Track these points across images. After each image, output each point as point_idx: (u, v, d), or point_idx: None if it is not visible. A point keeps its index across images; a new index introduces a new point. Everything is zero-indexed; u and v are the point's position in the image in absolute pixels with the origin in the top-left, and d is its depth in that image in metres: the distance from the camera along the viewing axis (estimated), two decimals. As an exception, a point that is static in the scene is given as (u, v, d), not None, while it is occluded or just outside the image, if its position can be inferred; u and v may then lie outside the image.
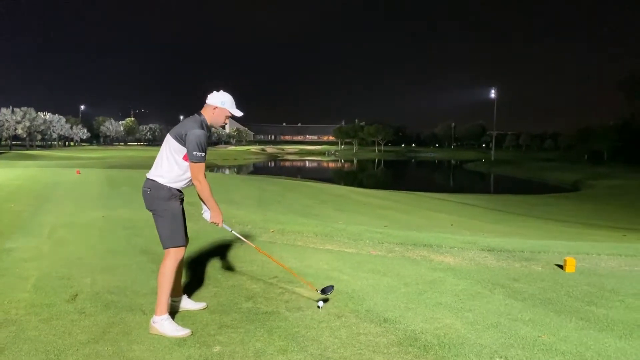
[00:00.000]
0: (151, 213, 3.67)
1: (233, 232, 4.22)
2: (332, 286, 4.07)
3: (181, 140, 3.55)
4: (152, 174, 3.65)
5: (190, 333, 3.43)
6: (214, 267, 5.21)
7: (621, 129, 64.87)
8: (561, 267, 5.70)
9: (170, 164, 3.61)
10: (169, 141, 3.62)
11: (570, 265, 5.57)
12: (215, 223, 3.81)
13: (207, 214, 3.84)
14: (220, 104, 3.70)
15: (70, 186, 13.17)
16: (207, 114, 3.71)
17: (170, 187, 3.61)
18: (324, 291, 3.99)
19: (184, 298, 3.98)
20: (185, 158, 3.58)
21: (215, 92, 3.75)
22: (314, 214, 11.52)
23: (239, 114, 3.80)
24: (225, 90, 3.78)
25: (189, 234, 3.91)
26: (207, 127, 3.66)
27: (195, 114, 3.72)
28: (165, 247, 3.60)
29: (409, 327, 3.59)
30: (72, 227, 7.40)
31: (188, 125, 3.58)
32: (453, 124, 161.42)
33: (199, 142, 3.50)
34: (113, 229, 7.32)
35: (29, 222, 7.81)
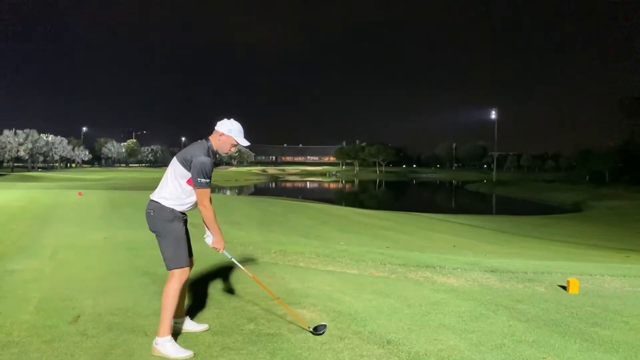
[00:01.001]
0: (154, 234, 3.68)
1: (232, 259, 4.23)
2: (325, 325, 4.01)
3: (186, 165, 3.59)
4: (155, 196, 3.67)
5: (193, 355, 3.41)
6: (215, 288, 5.19)
7: (621, 150, 65.00)
8: (564, 288, 5.67)
9: (175, 187, 3.64)
10: (175, 165, 3.66)
11: (574, 287, 5.54)
12: (216, 249, 3.84)
13: (209, 239, 3.86)
14: (227, 131, 3.72)
15: (72, 208, 13.20)
16: (214, 140, 3.74)
17: (173, 209, 3.63)
18: (316, 329, 3.94)
19: (187, 320, 3.96)
20: (190, 182, 3.62)
21: (225, 119, 3.77)
22: (316, 234, 11.51)
23: (245, 143, 3.82)
24: (229, 115, 3.81)
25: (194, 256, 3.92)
26: (212, 154, 3.68)
27: (203, 139, 3.75)
28: (168, 269, 3.61)
29: (413, 349, 3.56)
30: (74, 248, 7.40)
31: (194, 150, 3.62)
32: (454, 145, 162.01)
33: (203, 169, 3.53)
34: (115, 250, 7.32)
35: (31, 244, 7.81)
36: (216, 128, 3.75)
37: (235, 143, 3.78)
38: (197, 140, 3.82)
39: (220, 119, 3.77)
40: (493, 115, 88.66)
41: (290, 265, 6.73)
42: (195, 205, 3.71)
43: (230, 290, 5.12)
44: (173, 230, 3.63)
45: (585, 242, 17.22)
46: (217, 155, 3.84)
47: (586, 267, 7.37)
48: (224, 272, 5.79)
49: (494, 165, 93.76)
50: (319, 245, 8.54)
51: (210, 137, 3.76)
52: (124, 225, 10.09)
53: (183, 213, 3.72)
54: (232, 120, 3.77)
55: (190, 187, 3.63)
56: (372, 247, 9.02)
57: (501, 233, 18.95)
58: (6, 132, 73.52)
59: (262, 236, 9.66)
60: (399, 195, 66.16)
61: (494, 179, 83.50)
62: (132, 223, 10.18)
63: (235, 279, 5.57)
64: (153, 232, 3.69)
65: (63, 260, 6.59)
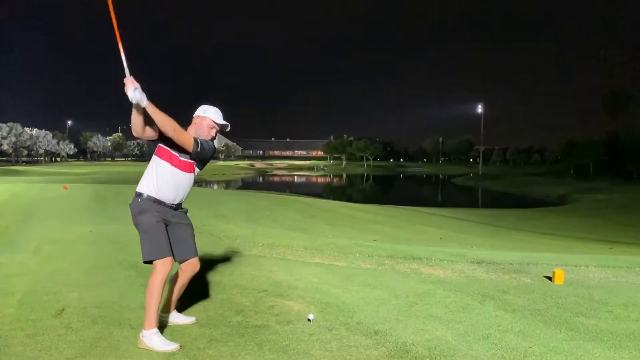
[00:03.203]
0: None
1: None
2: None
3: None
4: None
5: (180, 347, 3.38)
6: (202, 280, 5.16)
7: (606, 144, 65.77)
8: (550, 279, 5.72)
9: (150, 167, 3.56)
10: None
11: (559, 277, 5.60)
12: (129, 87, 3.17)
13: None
14: (202, 112, 3.65)
15: (57, 202, 13.05)
16: (191, 127, 3.65)
17: (147, 197, 3.50)
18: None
19: (174, 312, 3.93)
20: (164, 156, 3.51)
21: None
22: (304, 228, 11.51)
23: (222, 122, 3.70)
24: (211, 103, 3.71)
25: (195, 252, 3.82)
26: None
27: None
28: (144, 260, 3.48)
29: (400, 339, 3.57)
30: (58, 242, 7.31)
31: None
32: (441, 139, 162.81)
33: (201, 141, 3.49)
34: (100, 244, 7.24)
35: (14, 238, 7.71)
36: (194, 115, 3.70)
37: (213, 124, 3.66)
38: None
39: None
40: (479, 109, 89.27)
41: (278, 258, 6.72)
42: (181, 194, 3.60)
43: (217, 282, 5.10)
44: (143, 223, 3.48)
45: (570, 235, 17.43)
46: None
47: (571, 259, 7.45)
48: (211, 263, 5.76)
49: (480, 159, 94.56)
50: (306, 239, 8.53)
51: (188, 128, 3.63)
52: (110, 219, 10.00)
53: (162, 203, 3.53)
54: (206, 104, 3.71)
55: (166, 165, 3.49)
56: (360, 240, 9.04)
57: (487, 226, 19.10)
58: (-12, 125, 72.52)
59: (249, 229, 9.63)
60: (386, 189, 66.38)
61: (480, 173, 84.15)
62: (117, 217, 10.09)
63: (222, 270, 5.54)
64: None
65: (47, 254, 6.51)
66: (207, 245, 7.10)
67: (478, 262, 6.71)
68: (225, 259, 6.20)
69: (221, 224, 9.88)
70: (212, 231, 8.75)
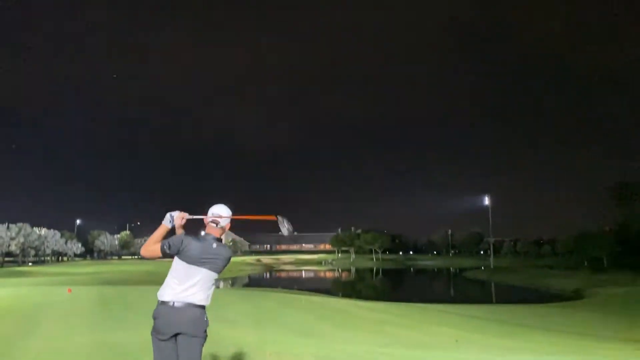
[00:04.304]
0: None
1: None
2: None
3: None
4: None
5: None
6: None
7: (617, 235, 65.00)
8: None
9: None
10: None
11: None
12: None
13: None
14: (209, 214, 4.01)
15: (61, 306, 12.76)
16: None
17: (158, 305, 3.71)
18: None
19: None
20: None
21: None
22: (313, 332, 11.09)
23: (216, 210, 4.00)
24: (219, 199, 4.08)
25: None
26: (201, 238, 3.88)
27: None
28: None
29: None
30: (59, 354, 7.03)
31: None
32: (450, 231, 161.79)
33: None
34: (102, 356, 6.94)
35: (14, 348, 7.43)
36: None
37: (213, 218, 3.96)
38: (193, 232, 4.05)
39: (213, 204, 4.05)
40: (486, 201, 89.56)
41: (287, 369, 6.38)
42: (194, 298, 3.72)
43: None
44: (153, 336, 3.70)
45: (590, 333, 16.67)
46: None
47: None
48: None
49: (491, 252, 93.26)
50: (316, 345, 8.18)
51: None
52: (114, 325, 9.69)
53: (170, 312, 3.67)
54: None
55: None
56: (372, 346, 8.65)
57: (504, 324, 18.37)
58: (-2, 226, 72.99)
59: (256, 335, 9.28)
60: (396, 284, 64.98)
61: (492, 266, 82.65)
62: (122, 323, 9.79)
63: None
64: (190, 335, 3.72)
65: (46, 368, 6.22)
66: (212, 356, 6.78)
67: (499, 372, 6.33)
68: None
69: (227, 329, 9.53)
70: (217, 339, 8.41)
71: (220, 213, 4.00)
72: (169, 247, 3.79)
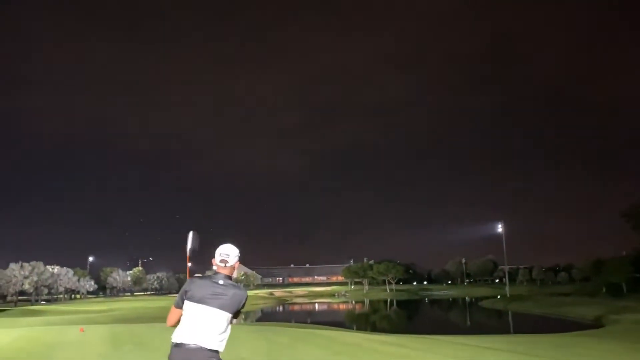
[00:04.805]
0: None
1: None
2: None
3: None
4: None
5: None
6: None
7: (636, 260, 63.75)
8: None
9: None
10: None
11: None
12: None
13: None
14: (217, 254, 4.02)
15: (72, 347, 12.63)
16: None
17: (171, 348, 3.67)
18: None
19: None
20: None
21: None
22: (328, 369, 10.82)
23: (221, 251, 3.99)
24: (233, 238, 4.34)
25: None
26: (208, 277, 3.90)
27: None
28: None
29: None
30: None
31: None
32: (463, 260, 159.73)
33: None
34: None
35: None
36: None
37: (217, 261, 3.96)
38: (207, 266, 4.32)
39: (224, 242, 4.07)
40: (499, 229, 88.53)
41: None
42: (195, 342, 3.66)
43: None
44: None
45: (615, 364, 16.11)
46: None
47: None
48: None
49: (507, 280, 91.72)
50: (332, 384, 7.95)
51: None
52: (125, 366, 9.53)
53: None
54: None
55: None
56: (390, 383, 8.39)
57: (522, 356, 17.84)
58: (12, 265, 73.11)
59: (271, 374, 9.06)
60: (411, 315, 63.96)
61: (508, 294, 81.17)
62: (133, 364, 9.63)
63: None
64: None
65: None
66: None
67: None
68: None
69: (241, 368, 9.33)
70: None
71: (228, 253, 3.97)
72: (180, 298, 3.86)
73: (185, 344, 3.59)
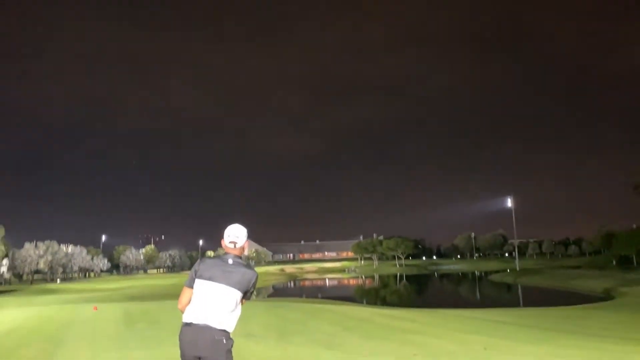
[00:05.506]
0: None
1: None
2: None
3: None
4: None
5: None
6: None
7: (646, 232, 63.37)
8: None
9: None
10: None
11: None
12: None
13: None
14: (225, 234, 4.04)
15: (86, 325, 12.84)
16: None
17: (181, 326, 3.71)
18: None
19: None
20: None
21: None
22: (339, 343, 10.93)
23: (230, 232, 4.01)
24: (245, 215, 4.20)
25: None
26: (217, 256, 3.94)
27: None
28: None
29: None
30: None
31: None
32: (473, 235, 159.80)
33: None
34: (126, 376, 6.91)
35: (39, 372, 7.44)
36: None
37: (226, 242, 3.98)
38: (218, 243, 4.28)
39: (237, 219, 4.09)
40: (509, 203, 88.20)
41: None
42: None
43: None
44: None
45: (627, 336, 16.16)
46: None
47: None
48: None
49: (516, 254, 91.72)
50: (342, 358, 8.03)
51: None
52: (138, 343, 9.68)
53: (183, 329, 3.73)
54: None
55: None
56: (400, 358, 8.46)
57: (534, 329, 17.92)
58: (27, 245, 74.35)
59: (281, 350, 9.18)
60: (421, 290, 64.35)
61: (517, 268, 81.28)
62: (146, 341, 9.78)
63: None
64: (211, 359, 3.60)
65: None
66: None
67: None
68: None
69: (251, 345, 9.45)
70: (242, 355, 8.33)
71: (237, 234, 3.98)
72: (191, 278, 3.87)
73: (194, 324, 3.62)
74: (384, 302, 40.65)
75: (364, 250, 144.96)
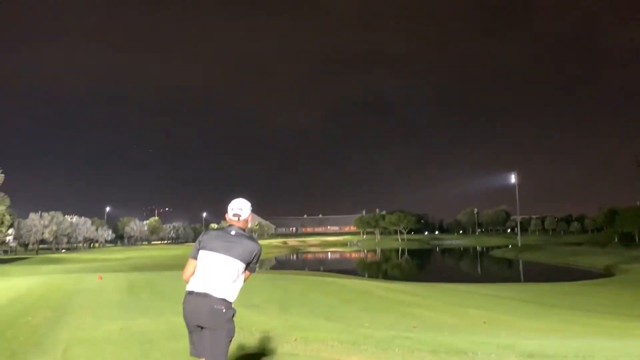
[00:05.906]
0: (209, 329, 3.67)
1: None
2: None
3: None
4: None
5: None
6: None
7: (649, 210, 63.33)
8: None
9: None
10: None
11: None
12: None
13: None
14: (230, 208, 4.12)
15: (90, 294, 13.00)
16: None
17: (185, 295, 3.81)
18: None
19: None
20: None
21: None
22: (339, 315, 11.05)
23: (234, 205, 4.08)
24: (249, 188, 4.25)
25: None
26: (221, 228, 4.06)
27: None
28: None
29: None
30: (87, 343, 7.13)
31: None
32: (475, 210, 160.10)
33: None
34: (130, 344, 7.02)
35: (44, 339, 7.56)
36: None
37: (230, 215, 4.05)
38: (221, 216, 4.32)
39: (241, 193, 4.37)
40: (513, 179, 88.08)
41: (312, 355, 6.35)
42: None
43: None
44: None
45: (625, 312, 16.30)
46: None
47: (634, 348, 6.81)
48: None
49: (518, 230, 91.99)
50: (342, 330, 8.13)
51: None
52: (141, 312, 9.81)
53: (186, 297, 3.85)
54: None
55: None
56: (399, 330, 8.55)
57: (533, 304, 18.09)
58: (32, 215, 75.00)
59: (282, 320, 9.29)
60: (422, 264, 64.80)
61: (519, 244, 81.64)
62: (149, 310, 9.91)
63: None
64: (212, 328, 3.65)
65: (75, 357, 6.31)
66: (238, 342, 6.79)
67: (529, 356, 6.18)
68: (257, 358, 5.90)
69: (253, 315, 9.56)
70: (243, 324, 8.44)
71: (241, 207, 4.05)
72: (195, 249, 3.93)
73: (196, 292, 3.69)
74: (385, 276, 41.00)
75: (366, 225, 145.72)
